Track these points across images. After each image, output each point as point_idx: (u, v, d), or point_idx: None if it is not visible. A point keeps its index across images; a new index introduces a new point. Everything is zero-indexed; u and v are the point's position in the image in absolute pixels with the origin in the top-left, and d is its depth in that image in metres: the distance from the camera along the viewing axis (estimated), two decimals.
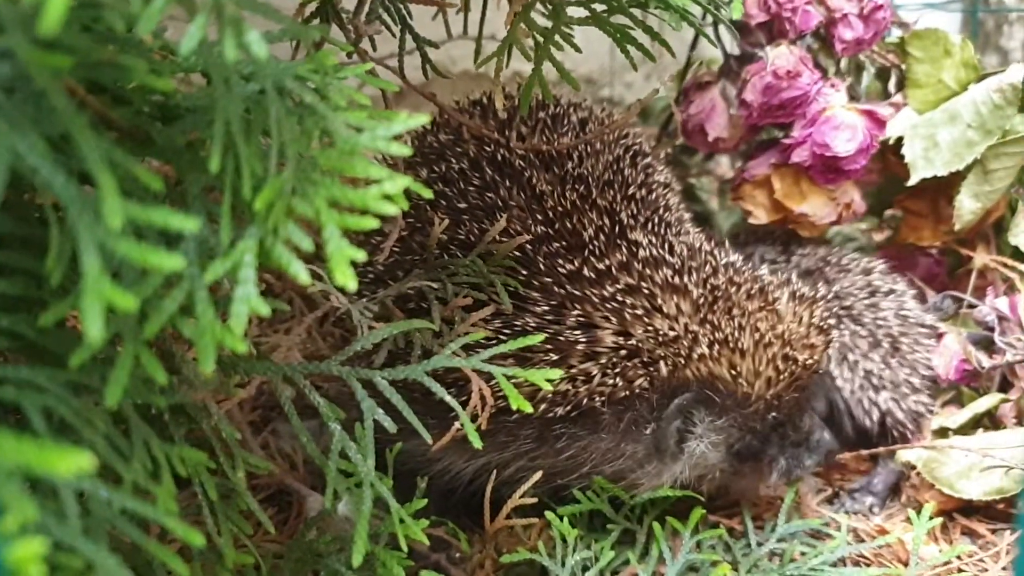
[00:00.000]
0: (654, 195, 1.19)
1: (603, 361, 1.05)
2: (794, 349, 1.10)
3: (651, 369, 1.05)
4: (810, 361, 1.12)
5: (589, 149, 1.18)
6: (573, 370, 1.04)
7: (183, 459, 0.63)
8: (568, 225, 1.10)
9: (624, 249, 1.10)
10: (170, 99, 0.61)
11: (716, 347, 1.06)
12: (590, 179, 1.14)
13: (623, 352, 1.05)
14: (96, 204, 0.43)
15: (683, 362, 1.05)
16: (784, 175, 1.43)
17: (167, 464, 0.60)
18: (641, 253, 1.09)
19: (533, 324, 1.05)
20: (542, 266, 1.08)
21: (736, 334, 1.07)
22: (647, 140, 1.32)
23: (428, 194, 0.67)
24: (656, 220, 1.16)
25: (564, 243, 1.09)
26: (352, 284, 0.53)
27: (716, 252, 1.16)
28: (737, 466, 1.14)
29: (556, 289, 1.07)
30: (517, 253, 1.08)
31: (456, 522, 1.13)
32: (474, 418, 0.89)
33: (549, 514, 1.09)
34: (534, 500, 1.05)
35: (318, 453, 0.81)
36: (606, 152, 1.20)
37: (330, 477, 0.79)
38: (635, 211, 1.14)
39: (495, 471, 1.09)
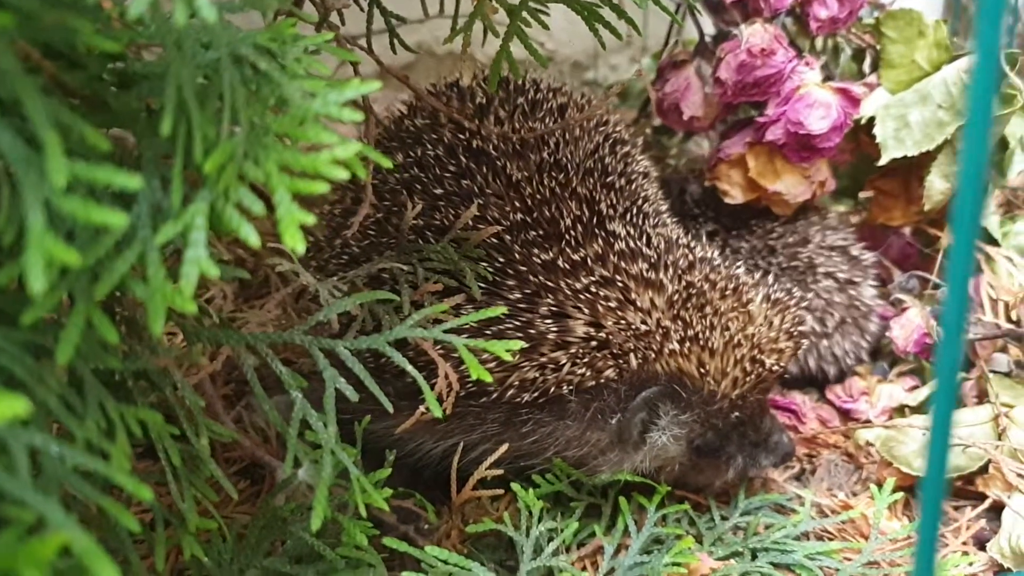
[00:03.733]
0: (634, 185, 1.20)
1: (573, 351, 1.06)
2: (762, 352, 1.12)
3: (620, 361, 1.06)
4: (776, 366, 1.14)
5: (568, 136, 1.18)
6: (543, 358, 1.05)
7: (140, 420, 0.64)
8: (546, 213, 1.10)
9: (601, 240, 1.10)
10: (127, 66, 0.61)
11: (687, 344, 1.07)
12: (569, 167, 1.15)
13: (593, 343, 1.06)
14: (42, 162, 0.44)
15: (653, 356, 1.06)
16: (758, 154, 1.43)
17: (122, 424, 0.61)
18: (618, 245, 1.10)
19: (505, 312, 1.06)
20: (517, 254, 1.08)
21: (707, 332, 1.08)
22: (626, 128, 1.32)
23: (387, 163, 0.68)
24: (635, 211, 1.16)
25: (541, 231, 1.09)
26: (301, 247, 0.54)
27: (693, 246, 1.17)
28: (696, 460, 1.15)
29: (530, 278, 1.07)
30: (494, 240, 1.08)
31: (425, 495, 1.14)
32: (441, 399, 0.90)
33: (515, 485, 1.10)
34: (500, 472, 1.07)
35: (280, 420, 0.83)
36: (585, 139, 1.20)
37: (290, 444, 0.80)
38: (614, 201, 1.15)
39: (463, 451, 1.11)
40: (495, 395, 1.06)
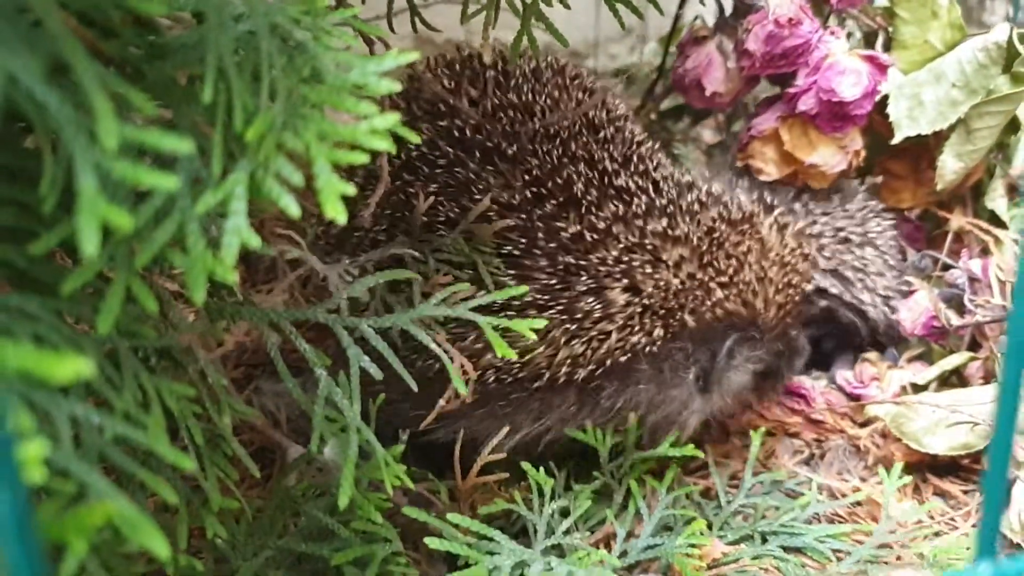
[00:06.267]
0: (626, 132, 1.18)
1: (619, 321, 1.06)
2: (793, 270, 1.18)
3: (670, 320, 1.09)
4: (803, 283, 1.21)
5: (548, 100, 1.16)
6: (591, 331, 1.06)
7: (172, 394, 0.64)
8: (557, 181, 1.09)
9: (616, 200, 1.10)
10: (160, 37, 0.61)
11: (730, 288, 1.11)
12: (560, 130, 1.13)
13: (637, 309, 1.07)
14: (91, 125, 0.43)
15: (704, 308, 1.10)
16: (792, 126, 1.43)
17: (157, 397, 0.61)
18: (635, 203, 1.10)
19: (545, 298, 1.05)
20: (541, 233, 1.07)
21: (740, 272, 1.13)
22: (591, 75, 1.30)
23: (416, 139, 0.67)
24: (635, 158, 1.15)
25: (556, 201, 1.08)
26: (342, 217, 0.53)
27: (699, 184, 1.18)
28: (758, 383, 1.24)
29: (559, 257, 1.06)
30: (513, 222, 1.07)
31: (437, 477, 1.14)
32: (453, 394, 0.92)
33: (526, 464, 1.09)
34: (502, 456, 1.06)
35: (305, 399, 0.82)
36: (565, 97, 1.18)
37: (316, 421, 0.80)
38: (612, 152, 1.14)
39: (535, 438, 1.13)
40: (548, 376, 1.07)
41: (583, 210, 1.08)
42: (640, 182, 1.12)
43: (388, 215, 1.11)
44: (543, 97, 1.16)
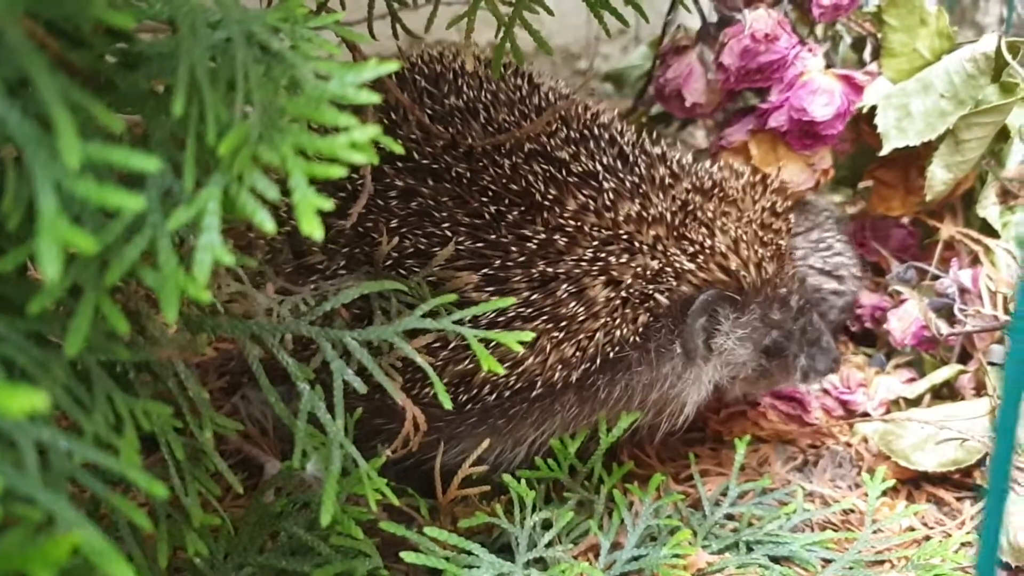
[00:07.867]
0: (582, 109, 1.14)
1: (603, 318, 1.05)
2: (768, 227, 1.14)
3: (649, 304, 1.07)
4: (786, 228, 1.18)
5: (494, 100, 1.11)
6: (579, 335, 1.04)
7: (147, 414, 0.62)
8: (514, 188, 1.04)
9: (583, 188, 1.06)
10: (133, 46, 0.59)
11: (698, 258, 1.08)
12: (509, 125, 1.09)
13: (618, 301, 1.05)
14: (53, 142, 0.42)
15: (678, 283, 1.07)
16: (761, 141, 1.42)
17: (131, 418, 0.59)
18: (605, 185, 1.06)
19: (528, 310, 1.03)
20: (513, 247, 1.03)
21: (711, 240, 1.09)
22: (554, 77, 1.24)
23: (399, 149, 0.66)
24: (590, 133, 1.11)
25: (519, 210, 1.04)
26: (318, 233, 0.52)
27: (671, 157, 1.15)
28: (766, 363, 1.19)
29: (535, 266, 1.03)
30: (487, 239, 1.03)
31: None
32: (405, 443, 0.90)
33: (506, 477, 1.08)
34: (484, 469, 1.05)
35: (287, 413, 0.80)
36: (508, 88, 1.13)
37: (299, 437, 0.78)
38: (565, 135, 1.09)
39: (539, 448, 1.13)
40: (542, 383, 1.05)
41: (545, 213, 1.04)
42: (606, 160, 1.09)
43: (345, 252, 1.06)
44: (488, 96, 1.11)
